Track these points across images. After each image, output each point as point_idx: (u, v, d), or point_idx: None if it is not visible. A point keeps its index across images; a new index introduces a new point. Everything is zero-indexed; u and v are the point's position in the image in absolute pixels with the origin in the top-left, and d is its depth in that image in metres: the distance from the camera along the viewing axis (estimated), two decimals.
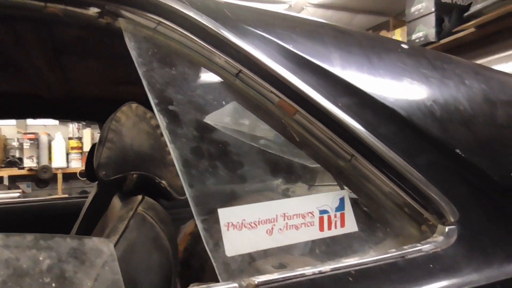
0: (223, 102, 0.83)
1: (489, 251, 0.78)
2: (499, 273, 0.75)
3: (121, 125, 0.95)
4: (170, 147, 0.78)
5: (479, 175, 0.82)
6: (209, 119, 0.86)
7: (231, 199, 0.77)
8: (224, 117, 0.90)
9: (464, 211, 0.79)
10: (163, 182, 0.94)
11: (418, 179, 0.77)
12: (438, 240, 0.76)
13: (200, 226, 0.68)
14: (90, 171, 1.73)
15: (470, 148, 0.83)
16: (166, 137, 0.77)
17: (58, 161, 5.03)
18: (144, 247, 0.83)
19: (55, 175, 4.87)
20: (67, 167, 5.05)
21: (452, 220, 0.76)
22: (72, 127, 5.25)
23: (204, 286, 0.63)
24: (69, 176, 5.03)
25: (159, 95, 0.77)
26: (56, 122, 4.92)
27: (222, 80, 0.80)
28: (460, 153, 0.81)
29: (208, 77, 0.82)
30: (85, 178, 3.11)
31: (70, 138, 5.18)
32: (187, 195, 0.74)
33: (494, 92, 0.95)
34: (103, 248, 0.64)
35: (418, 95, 0.85)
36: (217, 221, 0.69)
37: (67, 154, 5.12)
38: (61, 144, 5.06)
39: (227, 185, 0.80)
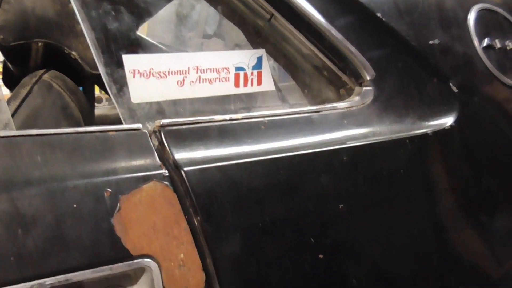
0: None
1: (402, 112, 0.80)
2: (409, 129, 0.78)
3: None
4: (78, 15, 0.70)
5: (397, 40, 0.82)
6: None
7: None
8: None
9: (380, 73, 0.79)
10: (73, 53, 0.87)
11: (337, 38, 0.76)
12: (354, 100, 0.77)
13: (102, 72, 0.63)
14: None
15: (390, 13, 0.82)
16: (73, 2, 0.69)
17: None
18: (51, 116, 0.78)
19: None
20: None
21: (368, 78, 0.77)
22: None
23: (112, 127, 0.59)
24: None
25: None
26: None
27: None
28: (380, 16, 0.81)
29: None
30: None
31: None
32: (99, 67, 0.68)
33: None
34: None
35: None
36: (123, 67, 0.64)
37: None
38: None
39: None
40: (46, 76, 0.79)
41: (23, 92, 0.77)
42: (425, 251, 0.72)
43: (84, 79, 0.92)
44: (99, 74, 0.78)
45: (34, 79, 0.78)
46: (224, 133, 0.64)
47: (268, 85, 0.74)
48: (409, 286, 0.70)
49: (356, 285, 0.65)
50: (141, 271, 0.53)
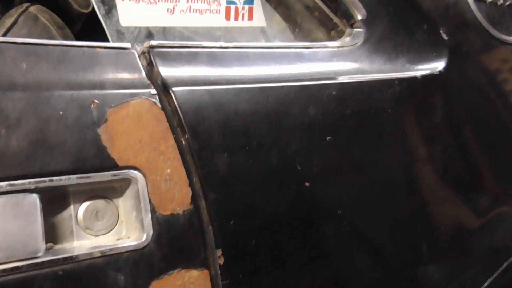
0: None
1: (391, 55, 0.80)
2: (398, 71, 0.78)
3: None
4: None
5: None
6: None
7: None
8: None
9: (371, 15, 0.79)
10: None
11: None
12: (344, 40, 0.77)
13: None
14: None
15: None
16: None
17: None
18: None
19: None
20: None
21: (360, 18, 0.77)
22: None
23: (101, 44, 0.58)
24: None
25: None
26: None
27: None
28: None
29: None
30: None
31: None
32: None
33: None
34: None
35: None
36: None
37: None
38: None
39: None
40: (32, 9, 0.77)
41: (8, 22, 0.75)
42: (405, 184, 0.74)
43: (71, 19, 0.90)
44: (88, 14, 0.77)
45: (20, 10, 0.76)
46: (214, 59, 0.64)
47: (259, 20, 0.74)
48: (391, 215, 0.71)
49: (340, 215, 0.66)
50: (127, 183, 0.53)
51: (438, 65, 0.82)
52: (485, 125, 0.88)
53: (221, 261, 0.55)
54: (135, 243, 0.51)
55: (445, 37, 0.85)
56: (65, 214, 0.51)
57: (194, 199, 0.55)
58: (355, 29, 0.78)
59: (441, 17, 0.86)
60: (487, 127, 0.88)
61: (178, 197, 0.55)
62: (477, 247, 0.80)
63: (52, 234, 0.50)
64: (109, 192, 0.54)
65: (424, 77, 0.79)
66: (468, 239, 0.81)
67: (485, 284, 0.78)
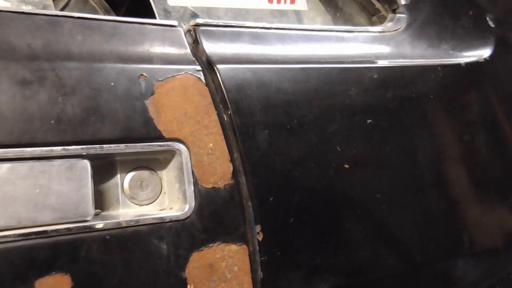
0: None
1: (435, 41, 0.78)
2: (441, 57, 0.76)
3: None
4: None
5: None
6: None
7: None
8: None
9: (415, 1, 0.78)
10: None
11: None
12: (386, 25, 0.76)
13: None
14: None
15: None
16: None
17: None
18: None
19: None
20: None
21: (403, 3, 0.76)
22: None
23: (149, 21, 0.59)
24: None
25: None
26: None
27: None
28: None
29: None
30: None
31: None
32: None
33: None
34: None
35: None
36: None
37: None
38: None
39: None
40: None
41: (61, 4, 0.79)
42: (445, 171, 0.72)
43: (116, 4, 0.93)
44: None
45: None
46: (257, 39, 0.64)
47: (300, 4, 0.74)
48: (430, 201, 0.69)
49: (378, 199, 0.65)
50: (171, 155, 0.54)
51: (484, 53, 0.79)
52: None
53: (260, 237, 0.55)
54: (177, 213, 0.52)
55: (492, 24, 0.82)
56: (112, 182, 0.53)
57: (234, 174, 0.56)
58: (398, 15, 0.77)
59: (489, 4, 0.84)
60: None
61: (220, 171, 0.55)
62: None
63: (100, 201, 0.52)
64: (153, 163, 0.55)
65: (468, 64, 0.77)
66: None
67: None
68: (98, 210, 0.50)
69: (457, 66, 0.76)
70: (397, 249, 0.65)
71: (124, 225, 0.49)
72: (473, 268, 0.74)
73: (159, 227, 0.51)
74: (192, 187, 0.53)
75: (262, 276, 0.55)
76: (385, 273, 0.64)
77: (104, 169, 0.52)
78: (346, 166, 0.63)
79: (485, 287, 0.74)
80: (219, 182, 0.55)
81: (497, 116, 0.79)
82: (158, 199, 0.55)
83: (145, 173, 0.54)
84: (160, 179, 0.55)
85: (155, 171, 0.55)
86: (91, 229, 0.48)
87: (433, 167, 0.70)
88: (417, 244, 0.66)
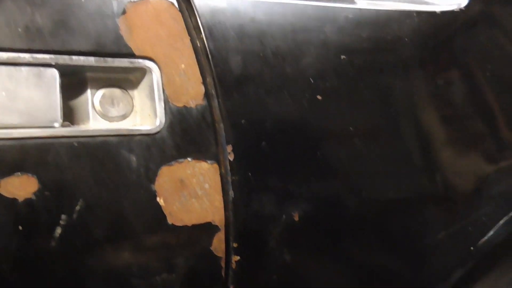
0: None
1: None
2: (418, 2, 0.78)
3: None
4: None
5: None
6: None
7: None
8: None
9: None
10: None
11: None
12: None
13: None
14: None
15: None
16: None
17: None
18: None
19: None
20: None
21: None
22: None
23: None
24: None
25: None
26: None
27: None
28: None
29: None
30: None
31: None
32: None
33: None
34: None
35: None
36: None
37: None
38: None
39: None
40: None
41: None
42: (416, 113, 0.72)
43: None
44: None
45: None
46: None
47: None
48: (404, 138, 0.70)
49: (352, 132, 0.66)
50: (142, 73, 0.54)
51: (460, 2, 0.81)
52: (503, 71, 0.86)
53: (231, 157, 0.56)
54: (148, 127, 0.52)
55: None
56: (83, 98, 0.53)
57: (207, 96, 0.56)
58: None
59: None
60: (505, 73, 0.86)
61: (192, 92, 0.56)
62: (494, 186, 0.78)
63: (69, 116, 0.52)
64: (125, 83, 0.55)
65: (444, 12, 0.79)
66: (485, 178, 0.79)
67: (501, 222, 0.76)
68: (67, 122, 0.51)
69: (433, 13, 0.78)
70: (368, 182, 0.66)
71: (92, 134, 0.50)
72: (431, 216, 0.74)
73: (129, 140, 0.51)
74: (163, 104, 0.53)
75: (233, 196, 0.56)
76: (356, 204, 0.65)
77: (74, 85, 0.53)
78: (319, 97, 0.63)
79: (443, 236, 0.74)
80: (191, 102, 0.55)
81: (469, 65, 0.81)
82: (129, 117, 0.55)
83: (116, 91, 0.54)
84: (132, 98, 0.55)
85: (126, 91, 0.55)
86: (58, 135, 0.48)
87: (405, 107, 0.71)
88: (385, 179, 0.67)
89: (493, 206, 0.77)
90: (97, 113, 0.53)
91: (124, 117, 0.54)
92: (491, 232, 0.76)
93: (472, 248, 0.76)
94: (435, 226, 0.73)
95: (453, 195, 0.76)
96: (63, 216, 0.47)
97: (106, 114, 0.53)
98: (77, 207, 0.47)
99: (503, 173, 0.80)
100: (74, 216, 0.47)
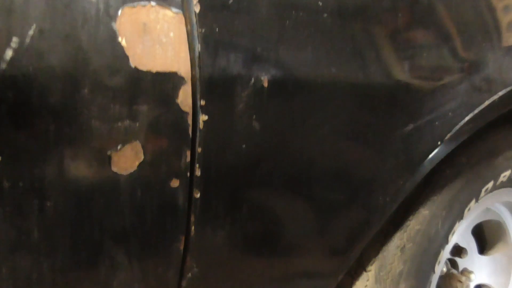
0: None
1: None
2: None
3: None
4: None
5: None
6: None
7: None
8: None
9: None
10: None
11: None
12: None
13: None
14: None
15: None
16: None
17: None
18: None
19: None
20: None
21: None
22: None
23: None
24: None
25: None
26: None
27: None
28: None
29: None
30: None
31: None
32: None
33: None
34: None
35: None
36: None
37: None
38: None
39: None
40: None
41: None
42: None
43: None
44: None
45: None
46: None
47: None
48: None
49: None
50: None
51: None
52: None
53: (197, 8, 0.53)
54: None
55: None
56: None
57: None
58: None
59: None
60: None
61: None
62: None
63: None
64: None
65: None
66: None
67: (466, 119, 0.78)
68: None
69: None
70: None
71: None
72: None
73: None
74: None
75: (200, 50, 0.54)
76: (325, 81, 0.64)
77: None
78: None
79: None
80: None
81: None
82: None
83: None
84: None
85: None
86: None
87: None
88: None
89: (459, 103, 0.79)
90: None
91: None
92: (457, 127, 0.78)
93: (439, 142, 0.77)
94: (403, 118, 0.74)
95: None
96: (15, 39, 0.44)
97: None
98: (30, 32, 0.44)
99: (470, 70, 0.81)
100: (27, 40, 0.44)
